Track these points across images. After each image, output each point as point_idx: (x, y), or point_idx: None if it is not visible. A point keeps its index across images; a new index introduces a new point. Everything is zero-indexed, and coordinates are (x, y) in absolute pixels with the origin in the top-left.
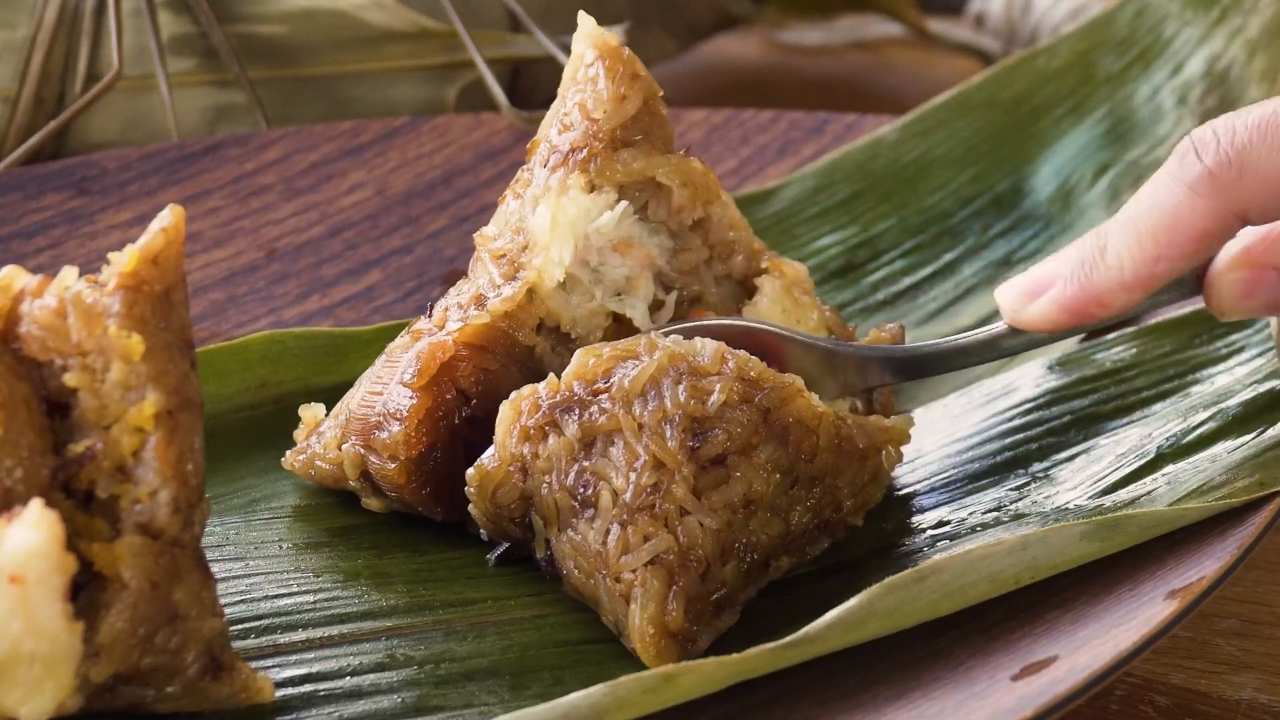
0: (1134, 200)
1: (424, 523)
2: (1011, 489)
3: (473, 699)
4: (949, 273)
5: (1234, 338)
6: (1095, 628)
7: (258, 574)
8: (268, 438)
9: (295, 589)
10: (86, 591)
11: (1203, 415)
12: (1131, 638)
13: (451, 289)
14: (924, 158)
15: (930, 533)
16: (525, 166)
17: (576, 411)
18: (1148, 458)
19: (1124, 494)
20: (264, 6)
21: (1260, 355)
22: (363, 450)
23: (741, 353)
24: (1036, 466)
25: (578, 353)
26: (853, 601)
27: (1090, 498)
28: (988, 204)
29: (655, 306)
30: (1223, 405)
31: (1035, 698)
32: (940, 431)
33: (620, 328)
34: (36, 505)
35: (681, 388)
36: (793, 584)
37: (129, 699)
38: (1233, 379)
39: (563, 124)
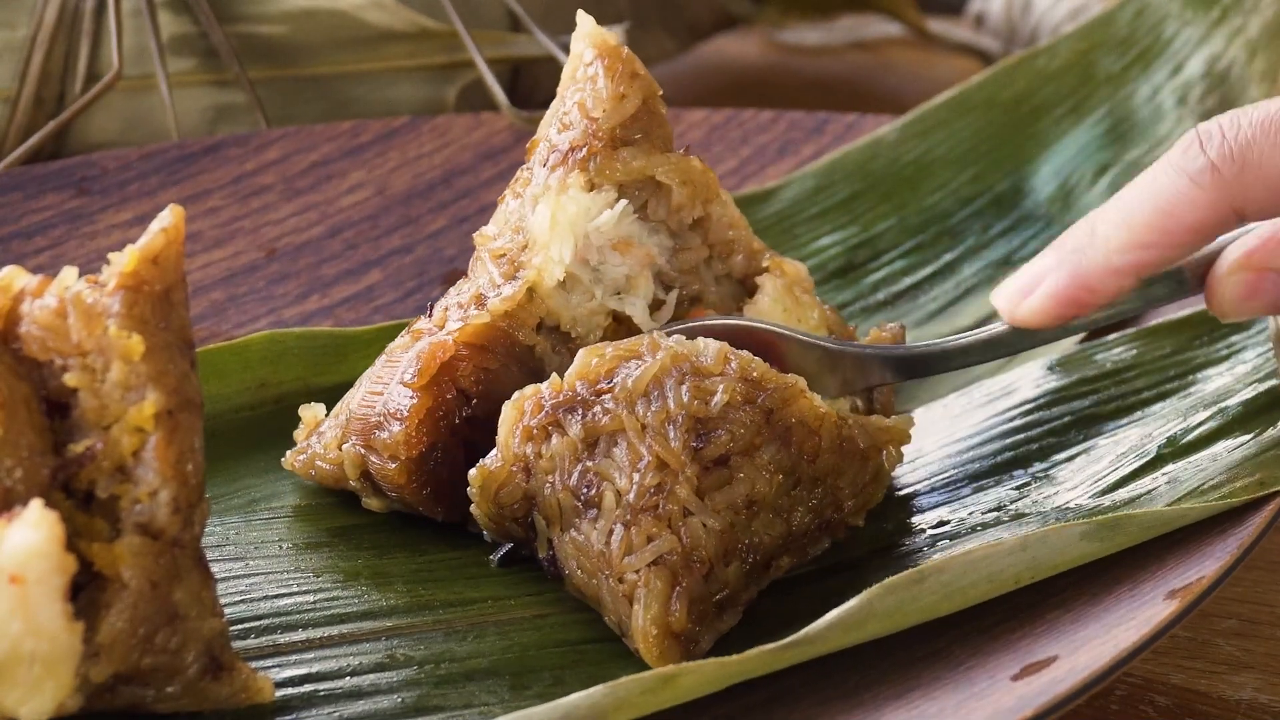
0: (1130, 187)
1: (424, 523)
2: (1012, 489)
3: (473, 699)
4: (949, 273)
5: (1234, 339)
6: (1095, 628)
7: (258, 574)
8: (268, 438)
9: (295, 589)
10: (86, 591)
11: (1203, 415)
12: (1131, 638)
13: (451, 289)
14: (924, 158)
15: (930, 533)
16: (525, 166)
17: (580, 411)
18: (1148, 458)
19: (1124, 494)
20: (264, 6)
21: (1260, 356)
22: (363, 450)
23: (744, 353)
24: (1036, 466)
25: (581, 352)
26: (853, 602)
27: (1090, 498)
28: (988, 204)
29: (655, 305)
30: (1223, 405)
31: (1035, 698)
32: (940, 431)
33: (620, 327)
34: (36, 505)
35: (685, 388)
36: (793, 584)
37: (129, 699)
38: (1232, 379)
39: (562, 123)
